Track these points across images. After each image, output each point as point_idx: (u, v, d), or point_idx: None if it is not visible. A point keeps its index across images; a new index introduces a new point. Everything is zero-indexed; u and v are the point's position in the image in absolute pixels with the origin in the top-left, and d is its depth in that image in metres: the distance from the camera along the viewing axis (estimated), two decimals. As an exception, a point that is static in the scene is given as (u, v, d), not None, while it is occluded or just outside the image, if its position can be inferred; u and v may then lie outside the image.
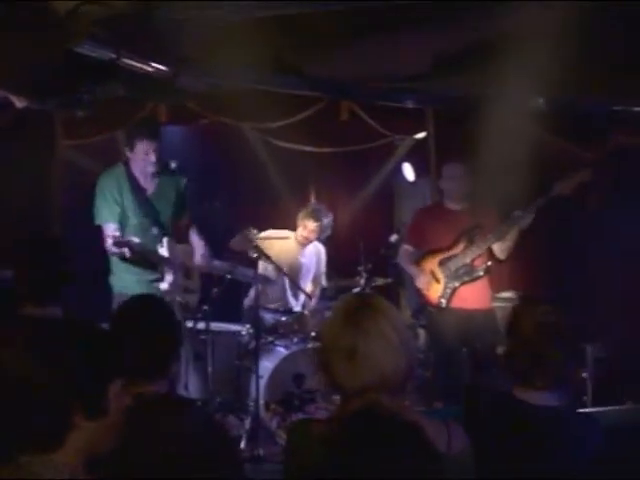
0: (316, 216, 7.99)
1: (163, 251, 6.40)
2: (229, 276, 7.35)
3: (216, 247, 7.90)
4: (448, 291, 7.28)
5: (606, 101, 7.87)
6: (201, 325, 7.08)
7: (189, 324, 7.10)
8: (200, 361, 7.13)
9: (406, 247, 7.51)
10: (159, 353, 3.31)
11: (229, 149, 8.89)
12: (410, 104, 8.35)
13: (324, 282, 8.29)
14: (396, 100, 8.31)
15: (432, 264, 7.37)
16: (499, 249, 7.20)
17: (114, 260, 6.36)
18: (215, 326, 7.33)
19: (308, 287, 8.16)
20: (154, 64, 5.91)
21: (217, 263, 7.17)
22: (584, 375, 7.29)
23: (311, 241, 8.12)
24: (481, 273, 7.25)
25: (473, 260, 7.24)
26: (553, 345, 3.34)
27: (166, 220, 6.62)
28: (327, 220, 8.05)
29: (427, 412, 6.52)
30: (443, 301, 7.27)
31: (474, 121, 7.36)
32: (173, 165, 6.59)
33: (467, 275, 7.24)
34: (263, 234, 7.81)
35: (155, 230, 6.52)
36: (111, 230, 6.27)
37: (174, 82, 6.42)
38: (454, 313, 7.24)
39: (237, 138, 8.67)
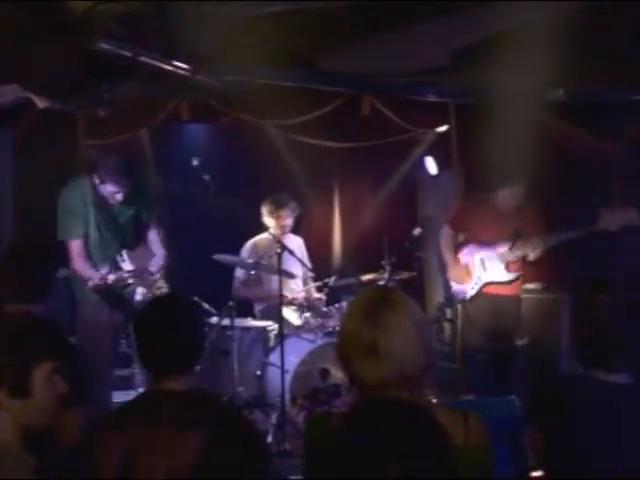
0: (285, 202, 7.89)
1: (125, 265, 6.45)
2: (253, 272, 7.42)
3: (238, 243, 7.96)
4: (476, 287, 7.33)
5: (626, 91, 7.83)
6: (226, 321, 7.11)
7: (215, 320, 7.12)
8: (226, 357, 7.14)
9: (446, 230, 7.59)
10: (182, 351, 3.30)
11: (250, 146, 8.90)
12: (432, 98, 8.35)
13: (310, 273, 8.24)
14: (418, 94, 8.30)
15: (468, 257, 7.41)
16: (532, 255, 7.25)
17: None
18: (240, 322, 7.36)
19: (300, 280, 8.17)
20: (172, 62, 5.93)
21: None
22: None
23: (287, 231, 8.01)
24: (513, 278, 7.29)
25: (509, 263, 7.28)
26: (630, 326, 3.37)
27: (129, 229, 6.66)
28: (294, 203, 8.01)
29: (458, 404, 6.55)
30: (471, 293, 7.33)
31: (495, 114, 7.35)
32: (195, 162, 6.63)
33: (498, 277, 7.29)
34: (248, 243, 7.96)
35: (116, 242, 6.56)
36: (76, 247, 6.33)
37: (193, 80, 6.44)
38: (484, 298, 7.32)
39: (258, 135, 8.68)
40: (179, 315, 3.37)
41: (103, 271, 6.26)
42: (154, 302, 3.57)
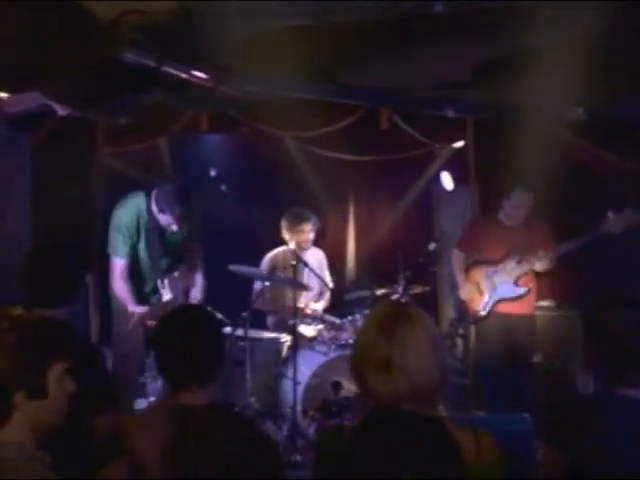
0: (307, 216, 7.90)
1: (164, 291, 6.54)
2: (267, 283, 7.44)
3: (255, 254, 7.97)
4: (489, 304, 7.36)
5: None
6: (240, 332, 7.12)
7: (228, 330, 7.15)
8: (239, 367, 7.15)
9: (457, 252, 7.73)
10: (200, 363, 3.32)
11: (269, 157, 8.94)
12: (450, 113, 8.35)
13: (330, 284, 8.24)
14: (436, 109, 8.31)
15: (479, 275, 7.47)
16: (540, 267, 7.29)
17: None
18: (254, 333, 7.37)
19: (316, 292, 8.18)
20: (196, 72, 5.95)
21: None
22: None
23: (309, 246, 8.02)
24: (522, 292, 7.32)
25: (518, 278, 7.32)
26: None
27: (176, 253, 6.77)
28: (315, 217, 8.01)
29: (469, 420, 6.54)
30: (482, 313, 7.36)
31: (513, 130, 7.36)
32: (213, 173, 6.67)
33: (509, 292, 7.32)
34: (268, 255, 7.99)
35: (164, 264, 6.66)
36: (119, 266, 6.45)
37: (214, 90, 6.45)
38: (496, 317, 7.35)
39: (277, 146, 8.71)
40: (199, 327, 3.39)
41: (138, 309, 6.38)
42: (174, 313, 3.58)
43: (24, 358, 2.72)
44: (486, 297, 7.42)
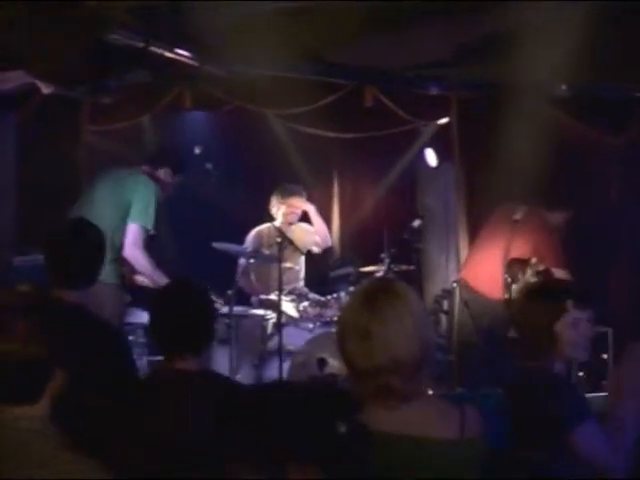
0: (297, 190, 7.99)
1: None
2: (252, 260, 7.46)
3: (238, 231, 7.99)
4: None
5: (630, 87, 7.85)
6: (225, 309, 7.14)
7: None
8: (224, 345, 7.17)
9: None
10: (194, 332, 3.50)
11: (253, 135, 8.93)
12: (434, 90, 8.37)
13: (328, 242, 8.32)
14: (420, 86, 8.32)
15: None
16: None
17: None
18: (239, 310, 7.39)
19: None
20: (182, 52, 5.95)
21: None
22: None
23: (295, 219, 8.07)
24: None
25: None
26: None
27: None
28: (305, 194, 8.05)
29: (454, 396, 6.60)
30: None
31: (497, 107, 7.38)
32: (197, 151, 6.66)
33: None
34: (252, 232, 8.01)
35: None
36: (143, 238, 6.43)
37: (199, 68, 6.46)
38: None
39: (261, 124, 8.70)
40: (193, 298, 3.58)
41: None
42: (170, 285, 3.83)
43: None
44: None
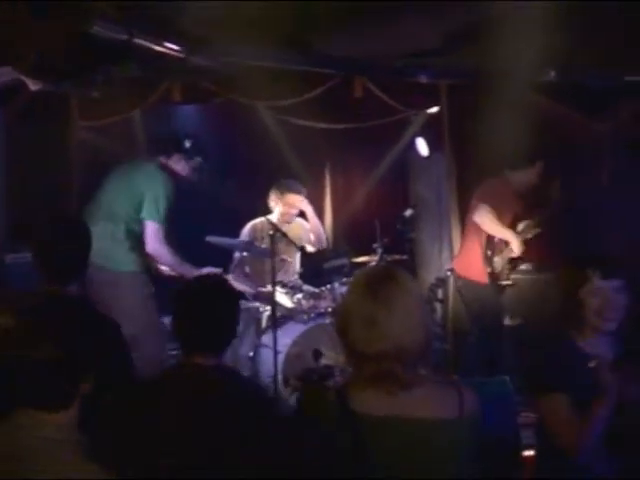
0: (297, 188, 7.96)
1: None
2: (245, 253, 7.45)
3: (229, 224, 7.97)
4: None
5: (618, 72, 7.85)
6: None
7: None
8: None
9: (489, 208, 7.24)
10: (215, 330, 3.48)
11: (243, 128, 8.92)
12: (423, 79, 8.35)
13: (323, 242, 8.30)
14: (409, 75, 8.31)
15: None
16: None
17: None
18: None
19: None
20: (167, 44, 5.93)
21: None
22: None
23: (292, 218, 8.05)
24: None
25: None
26: None
27: None
28: (305, 191, 8.03)
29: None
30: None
31: (487, 94, 7.37)
32: (187, 144, 6.64)
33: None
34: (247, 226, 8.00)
35: None
36: (161, 233, 6.41)
37: (188, 61, 6.43)
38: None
39: (251, 116, 8.69)
40: (220, 297, 3.55)
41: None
42: (194, 281, 3.75)
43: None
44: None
